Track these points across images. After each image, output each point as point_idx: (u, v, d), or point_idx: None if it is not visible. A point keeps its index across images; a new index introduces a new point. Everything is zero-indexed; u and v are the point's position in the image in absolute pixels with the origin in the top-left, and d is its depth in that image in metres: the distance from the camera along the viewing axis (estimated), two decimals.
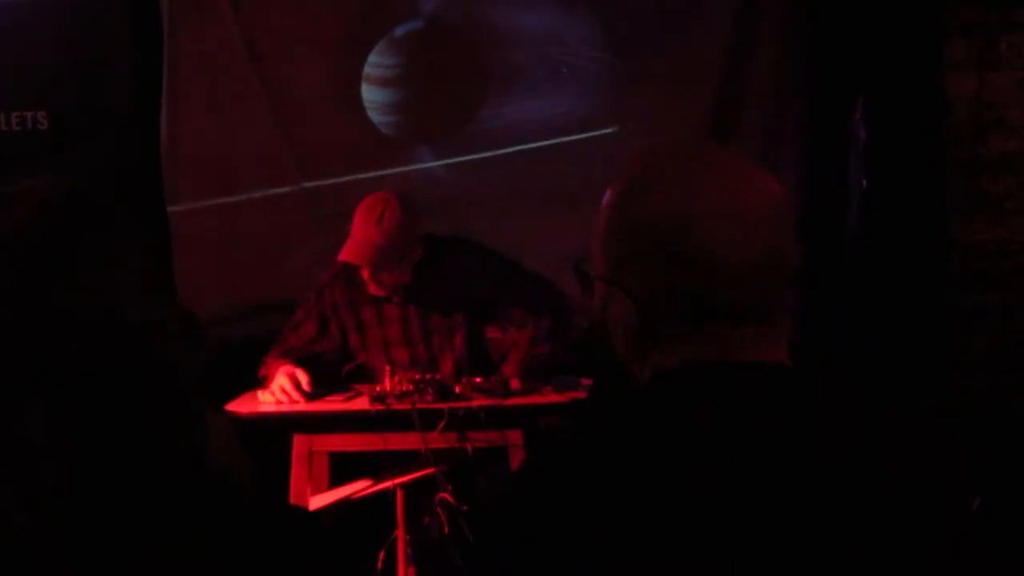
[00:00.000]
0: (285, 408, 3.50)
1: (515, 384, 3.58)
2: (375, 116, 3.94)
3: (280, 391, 3.53)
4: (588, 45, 4.10)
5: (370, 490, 3.34)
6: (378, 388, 3.50)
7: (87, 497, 1.00)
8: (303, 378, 3.56)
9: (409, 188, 3.94)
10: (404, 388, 3.46)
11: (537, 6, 3.98)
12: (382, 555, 3.47)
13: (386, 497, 3.46)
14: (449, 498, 3.38)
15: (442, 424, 3.35)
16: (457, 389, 3.50)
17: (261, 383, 3.68)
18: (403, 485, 3.42)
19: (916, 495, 1.19)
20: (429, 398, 3.45)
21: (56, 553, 0.99)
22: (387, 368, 3.57)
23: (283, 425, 3.47)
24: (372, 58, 3.78)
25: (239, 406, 3.53)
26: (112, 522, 1.00)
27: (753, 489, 1.13)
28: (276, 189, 4.37)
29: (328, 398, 3.60)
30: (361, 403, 3.50)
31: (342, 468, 3.56)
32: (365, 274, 3.67)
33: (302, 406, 3.51)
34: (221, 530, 1.06)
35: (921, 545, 1.18)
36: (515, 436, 3.42)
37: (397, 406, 3.42)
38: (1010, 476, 3.40)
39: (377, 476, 3.44)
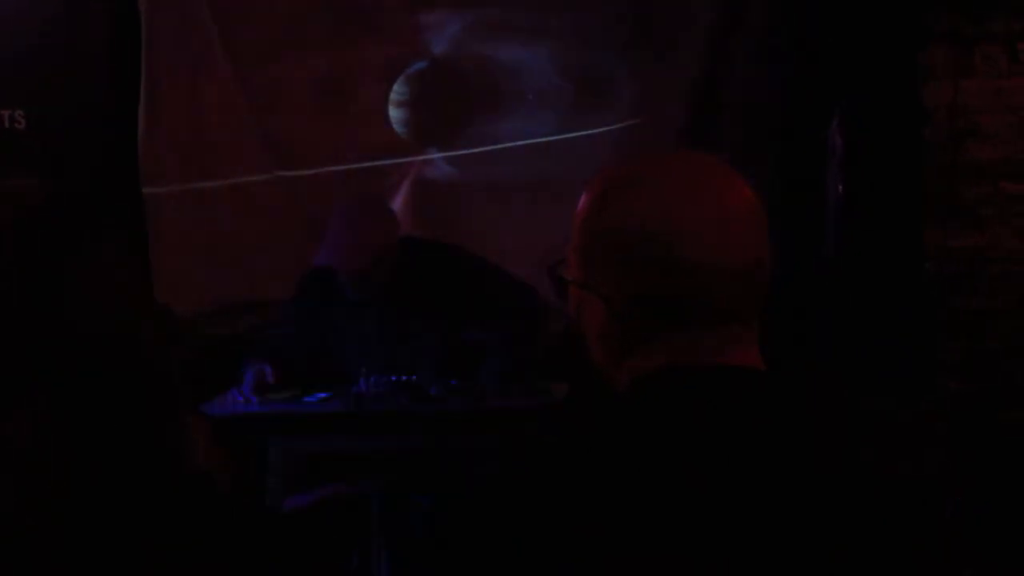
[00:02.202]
0: (258, 409, 3.50)
1: (491, 387, 3.57)
2: (397, 127, 4.70)
3: (242, 390, 3.55)
4: (550, 74, 4.68)
5: (345, 492, 3.34)
6: (354, 390, 3.49)
7: (82, 496, 1.00)
8: (259, 374, 3.57)
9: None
10: (380, 390, 3.46)
11: (513, 46, 4.70)
12: (357, 557, 3.47)
13: (361, 499, 3.46)
14: (424, 500, 3.38)
15: (418, 426, 3.35)
16: (433, 392, 3.50)
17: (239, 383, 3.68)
18: (378, 487, 3.42)
19: (898, 498, 1.19)
20: (405, 400, 3.44)
21: (55, 553, 0.99)
22: (363, 370, 3.56)
23: (259, 426, 3.46)
24: (394, 87, 4.68)
25: (215, 407, 3.52)
26: (102, 521, 1.01)
27: (735, 493, 1.13)
28: (251, 176, 4.50)
29: (304, 400, 3.59)
30: (337, 405, 3.50)
31: (318, 469, 3.55)
32: (342, 277, 3.66)
33: (280, 407, 3.51)
34: (199, 530, 1.05)
35: (906, 549, 1.18)
36: (491, 439, 3.42)
37: (373, 408, 3.41)
38: (991, 478, 3.42)
39: (352, 478, 3.44)
